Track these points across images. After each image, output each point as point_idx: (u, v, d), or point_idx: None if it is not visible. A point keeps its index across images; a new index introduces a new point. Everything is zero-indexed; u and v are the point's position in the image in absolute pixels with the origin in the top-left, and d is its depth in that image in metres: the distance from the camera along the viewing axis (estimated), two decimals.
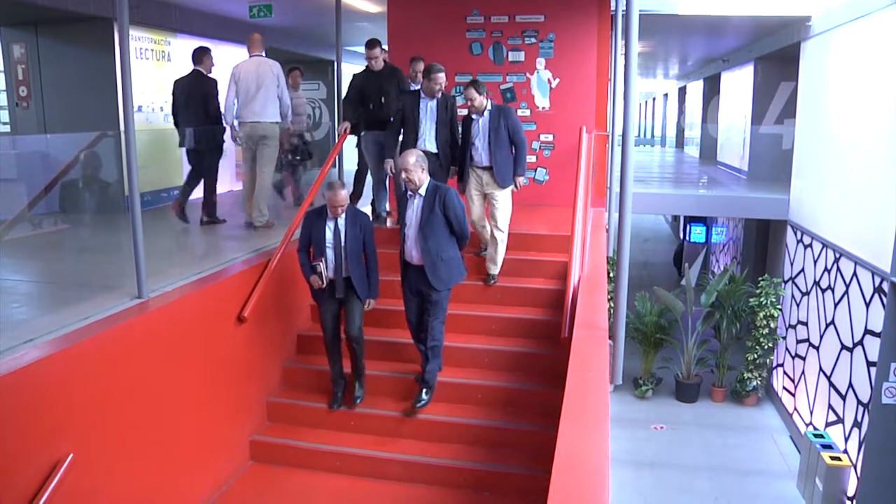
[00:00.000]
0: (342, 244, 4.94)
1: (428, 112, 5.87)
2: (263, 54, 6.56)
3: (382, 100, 6.48)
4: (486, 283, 5.86)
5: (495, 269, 5.85)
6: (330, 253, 4.97)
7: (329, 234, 4.96)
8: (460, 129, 5.94)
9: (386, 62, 6.74)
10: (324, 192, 4.99)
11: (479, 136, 5.72)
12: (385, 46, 6.96)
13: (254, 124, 6.38)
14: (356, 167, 7.25)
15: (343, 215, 4.95)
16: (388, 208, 6.97)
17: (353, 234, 4.96)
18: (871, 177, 7.38)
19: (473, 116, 5.71)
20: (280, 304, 5.53)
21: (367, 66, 6.65)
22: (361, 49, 12.66)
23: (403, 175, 4.73)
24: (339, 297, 5.04)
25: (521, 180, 5.82)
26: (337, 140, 6.85)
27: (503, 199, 5.74)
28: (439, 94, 5.84)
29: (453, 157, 6.04)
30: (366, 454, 4.83)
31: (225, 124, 6.61)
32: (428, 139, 5.89)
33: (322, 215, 4.98)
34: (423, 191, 4.77)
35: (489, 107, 5.67)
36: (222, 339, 4.82)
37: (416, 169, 4.72)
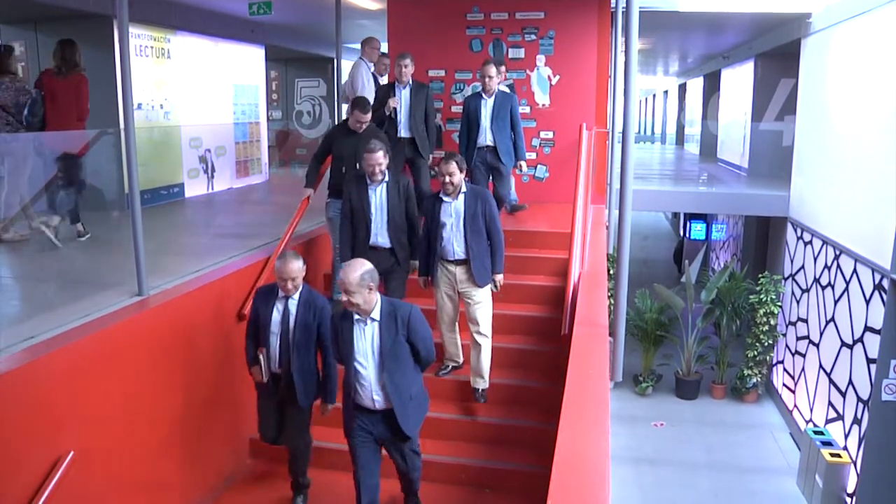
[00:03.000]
0: (289, 331, 4.07)
1: (403, 101, 6.12)
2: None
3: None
4: (476, 399, 5.00)
5: (484, 384, 4.96)
6: (274, 341, 4.11)
7: (276, 317, 4.10)
8: (425, 211, 4.99)
9: (370, 123, 5.74)
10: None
11: (450, 223, 4.81)
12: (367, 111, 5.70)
13: None
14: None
15: (296, 295, 4.09)
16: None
17: (304, 320, 4.07)
18: (871, 174, 7.38)
19: (444, 198, 4.78)
20: None
21: (345, 122, 5.78)
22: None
23: (343, 297, 3.65)
24: (282, 396, 4.21)
25: (499, 278, 4.93)
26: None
27: (483, 298, 4.88)
28: (410, 82, 6.08)
29: (438, 140, 6.44)
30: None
31: None
32: (402, 127, 6.10)
33: (273, 293, 4.15)
34: (377, 313, 3.71)
35: (464, 188, 4.79)
36: (223, 336, 4.81)
37: (362, 290, 3.60)
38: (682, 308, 10.41)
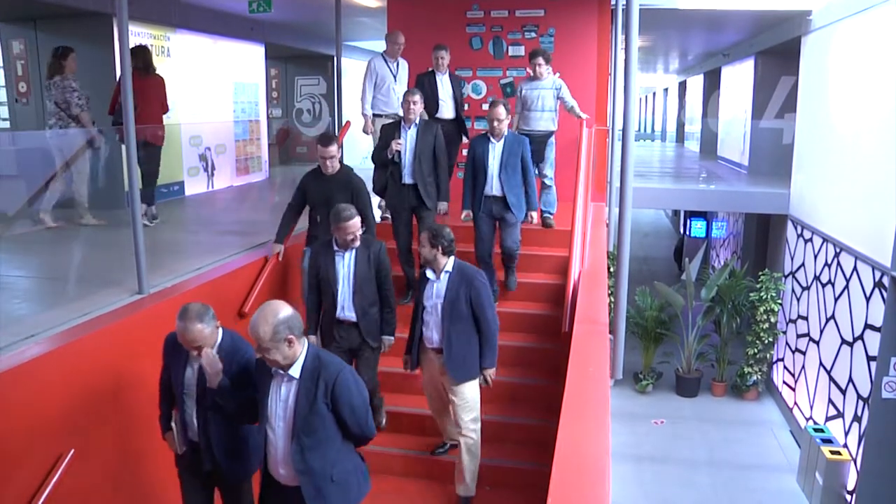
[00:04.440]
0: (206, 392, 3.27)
1: (408, 142, 5.48)
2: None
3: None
4: None
5: (466, 491, 4.33)
6: (189, 404, 3.34)
7: (189, 375, 3.32)
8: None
9: (343, 165, 5.20)
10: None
11: (430, 306, 4.27)
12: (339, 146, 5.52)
13: None
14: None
15: (214, 348, 3.28)
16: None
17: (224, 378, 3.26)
18: (871, 171, 7.37)
19: (428, 276, 4.28)
20: (281, 299, 5.52)
21: (317, 166, 5.20)
22: (361, 44, 12.67)
23: (258, 353, 3.01)
24: (207, 471, 3.40)
25: (490, 373, 4.28)
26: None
27: (468, 393, 4.26)
28: (417, 122, 5.49)
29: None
30: (367, 449, 4.81)
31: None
32: (406, 172, 5.50)
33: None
34: (296, 369, 2.99)
35: (450, 268, 4.21)
36: None
37: (279, 345, 2.90)
38: (683, 306, 10.40)
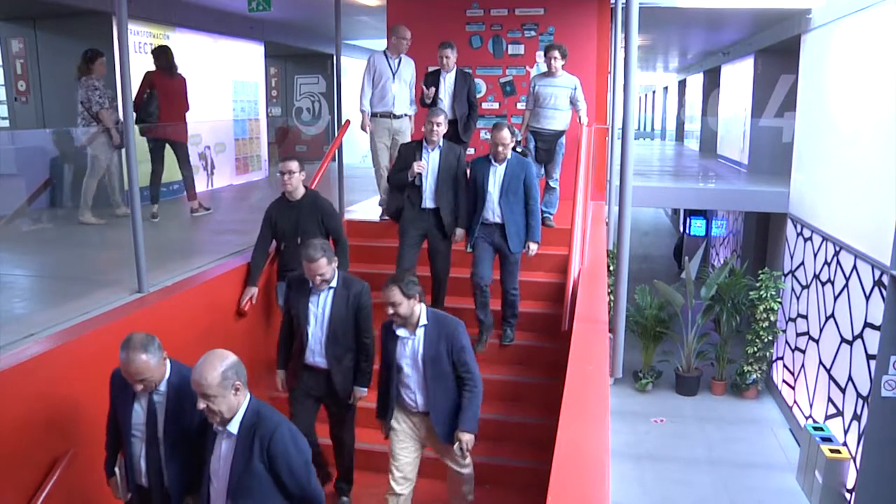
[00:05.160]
0: (158, 435, 2.98)
1: (431, 165, 5.13)
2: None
3: (300, 240, 4.57)
4: None
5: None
6: (137, 446, 3.04)
7: (138, 414, 3.01)
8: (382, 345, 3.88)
9: (308, 188, 4.84)
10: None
11: (407, 366, 3.73)
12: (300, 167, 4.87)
13: None
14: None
15: (162, 386, 2.97)
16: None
17: (173, 417, 2.96)
18: (871, 170, 7.37)
19: (397, 332, 3.68)
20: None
21: (282, 194, 4.85)
22: (361, 42, 12.66)
23: (201, 403, 2.68)
24: None
25: (467, 440, 3.69)
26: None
27: (468, 461, 3.93)
28: (440, 143, 5.16)
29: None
30: (367, 448, 4.82)
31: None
32: (427, 196, 5.15)
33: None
34: (234, 424, 2.72)
35: (424, 320, 3.65)
36: (222, 333, 4.80)
37: (226, 393, 2.65)
38: (682, 304, 10.41)
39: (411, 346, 3.68)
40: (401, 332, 3.66)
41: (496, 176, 4.99)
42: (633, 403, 10.21)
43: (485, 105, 7.81)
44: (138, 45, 8.41)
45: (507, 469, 4.65)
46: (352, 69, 11.72)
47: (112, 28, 7.52)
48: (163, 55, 6.93)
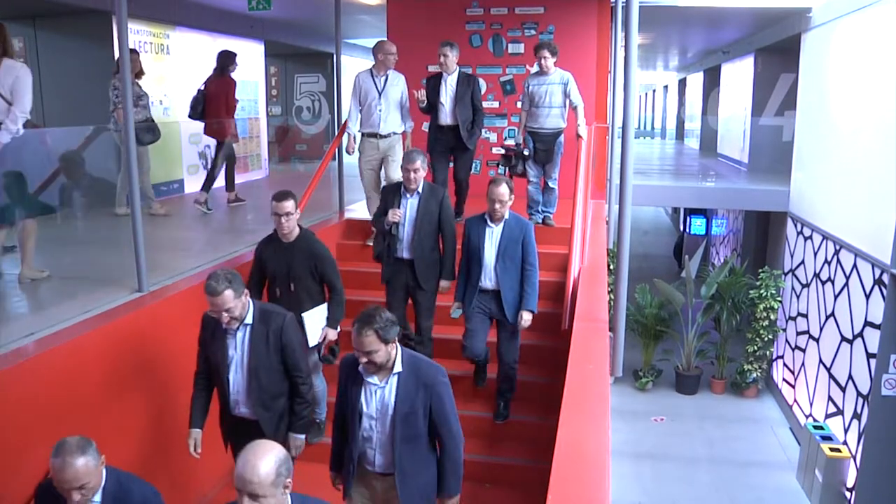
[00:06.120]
0: None
1: (409, 212, 4.71)
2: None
3: (292, 286, 4.28)
4: None
5: None
6: None
7: None
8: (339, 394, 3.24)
9: (302, 228, 4.36)
10: None
11: (368, 419, 3.09)
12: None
13: None
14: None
15: (97, 496, 2.63)
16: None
17: None
18: (871, 168, 7.37)
19: (368, 379, 3.06)
20: None
21: (273, 231, 4.38)
22: (361, 42, 12.65)
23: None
24: None
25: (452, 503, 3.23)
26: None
27: None
28: (420, 189, 4.72)
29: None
30: None
31: None
32: (403, 247, 4.75)
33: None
34: None
35: (399, 366, 3.01)
36: None
37: (276, 492, 2.23)
38: (682, 303, 10.41)
39: (380, 397, 3.03)
40: (372, 379, 3.03)
41: (492, 238, 4.51)
42: (633, 402, 10.21)
43: (485, 104, 7.78)
44: (138, 45, 8.41)
45: (508, 467, 4.65)
46: (352, 69, 11.71)
47: (112, 27, 7.52)
48: (218, 58, 7.40)
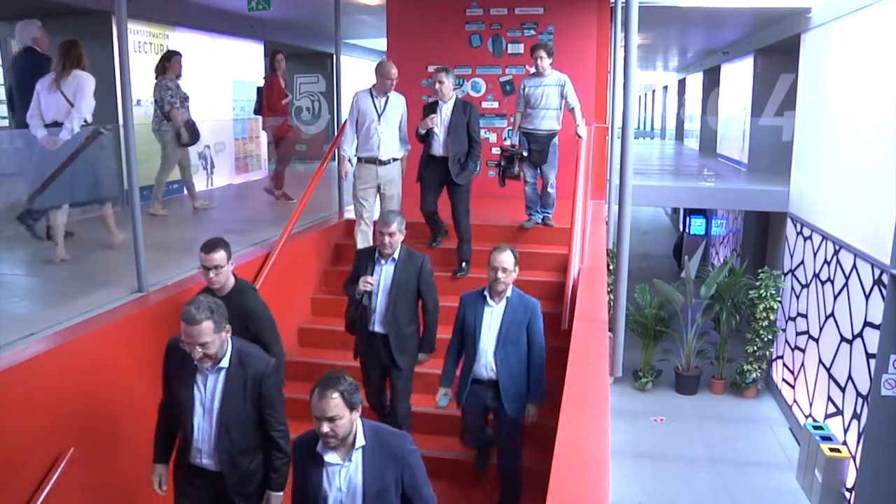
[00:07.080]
0: None
1: (383, 279, 4.23)
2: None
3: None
4: None
5: None
6: None
7: None
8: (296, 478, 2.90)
9: (237, 280, 3.82)
10: None
11: (334, 498, 2.76)
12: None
13: None
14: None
15: None
16: None
17: None
18: (871, 169, 7.37)
19: (325, 456, 2.71)
20: (281, 297, 5.52)
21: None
22: (361, 42, 12.64)
23: None
24: None
25: None
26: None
27: None
28: (396, 254, 4.25)
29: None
30: None
31: None
32: (376, 320, 4.26)
33: None
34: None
35: (362, 439, 2.73)
36: None
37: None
38: (682, 303, 10.41)
39: (345, 477, 2.71)
40: (330, 457, 2.70)
41: (492, 319, 3.93)
42: (632, 402, 10.21)
43: (484, 104, 7.82)
44: (138, 45, 8.41)
45: None
46: (352, 69, 11.73)
47: (111, 27, 7.52)
48: (271, 58, 7.97)
